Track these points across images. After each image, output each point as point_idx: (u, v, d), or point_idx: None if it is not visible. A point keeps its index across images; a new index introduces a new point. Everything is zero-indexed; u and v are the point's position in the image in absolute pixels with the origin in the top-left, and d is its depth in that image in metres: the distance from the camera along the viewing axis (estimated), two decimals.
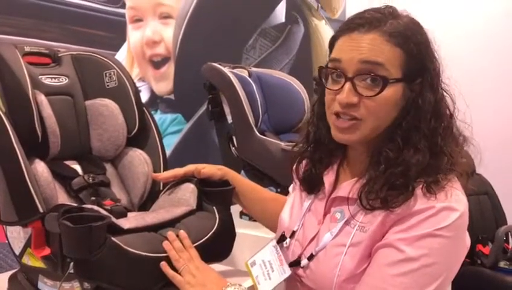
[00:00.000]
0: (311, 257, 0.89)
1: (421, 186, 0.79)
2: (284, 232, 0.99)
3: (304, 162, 1.01)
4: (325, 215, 0.92)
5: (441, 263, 0.78)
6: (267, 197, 1.19)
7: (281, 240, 0.99)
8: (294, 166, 1.02)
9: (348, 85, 0.81)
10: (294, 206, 1.02)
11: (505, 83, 3.23)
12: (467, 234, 0.86)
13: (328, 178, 0.94)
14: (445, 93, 0.86)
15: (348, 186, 0.88)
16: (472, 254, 2.85)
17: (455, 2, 3.39)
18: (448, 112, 0.85)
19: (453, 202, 0.79)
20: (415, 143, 0.81)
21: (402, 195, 0.79)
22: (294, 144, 1.06)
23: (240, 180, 1.18)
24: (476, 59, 3.23)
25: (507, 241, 2.79)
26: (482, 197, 3.01)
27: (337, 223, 0.87)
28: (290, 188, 1.12)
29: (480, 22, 3.27)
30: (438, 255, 0.77)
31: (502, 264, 2.73)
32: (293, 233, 0.97)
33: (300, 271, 0.92)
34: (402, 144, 0.81)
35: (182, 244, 0.96)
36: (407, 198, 0.78)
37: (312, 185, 0.97)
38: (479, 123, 3.27)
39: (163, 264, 0.93)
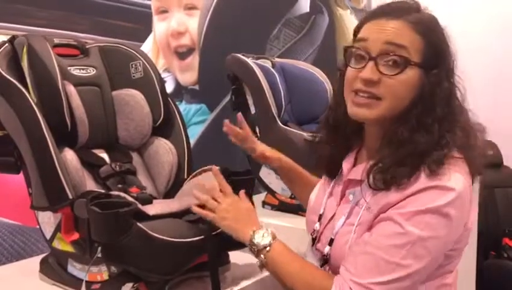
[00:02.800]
0: (331, 242, 0.96)
1: (424, 167, 0.84)
2: (312, 233, 1.05)
3: (326, 147, 1.05)
4: (341, 198, 0.99)
5: (436, 238, 0.83)
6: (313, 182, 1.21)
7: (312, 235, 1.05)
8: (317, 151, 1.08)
9: (371, 63, 0.86)
10: (319, 189, 1.09)
11: None
12: (471, 215, 0.90)
13: (347, 163, 1.00)
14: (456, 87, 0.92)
15: (361, 169, 0.93)
16: (498, 247, 2.81)
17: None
18: (458, 103, 0.90)
19: (452, 182, 0.83)
20: (428, 126, 0.86)
21: (409, 172, 0.84)
22: (315, 134, 1.11)
23: (293, 166, 1.23)
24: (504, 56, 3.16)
25: None
26: (509, 190, 2.96)
27: (349, 205, 0.94)
28: None
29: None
30: (434, 230, 0.82)
31: None
32: (320, 216, 1.03)
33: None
34: (416, 125, 0.86)
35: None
36: (411, 174, 0.84)
37: (332, 170, 1.03)
38: (510, 118, 3.21)
39: (195, 208, 0.98)
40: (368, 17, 0.91)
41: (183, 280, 1.05)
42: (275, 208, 1.77)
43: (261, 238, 0.93)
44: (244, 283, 1.07)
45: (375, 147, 0.93)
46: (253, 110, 1.73)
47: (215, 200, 0.99)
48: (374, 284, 0.82)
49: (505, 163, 3.04)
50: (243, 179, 1.13)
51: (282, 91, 1.76)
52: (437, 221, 0.82)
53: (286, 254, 0.93)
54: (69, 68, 1.18)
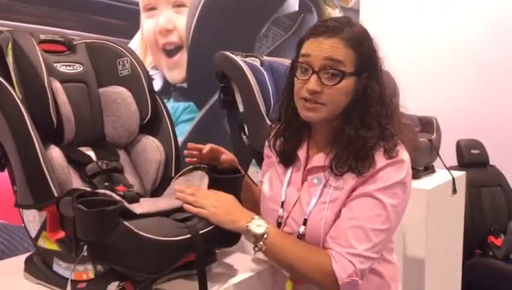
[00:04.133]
0: (305, 222, 1.10)
1: (379, 149, 1.05)
2: (278, 219, 1.16)
3: (279, 140, 1.20)
4: (302, 183, 1.15)
5: (402, 203, 1.06)
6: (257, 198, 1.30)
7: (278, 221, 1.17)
8: (271, 143, 1.22)
9: (314, 76, 1.05)
10: (273, 181, 1.22)
11: None
12: None
13: (302, 153, 1.16)
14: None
15: (320, 158, 1.12)
16: (484, 246, 2.85)
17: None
18: (389, 100, 1.10)
19: (404, 157, 1.07)
20: (368, 123, 1.06)
21: (366, 162, 1.04)
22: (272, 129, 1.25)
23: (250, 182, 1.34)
24: (495, 56, 3.20)
25: None
26: (495, 189, 3.00)
27: (317, 187, 1.10)
28: (262, 177, 1.31)
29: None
30: (400, 197, 1.05)
31: None
32: (282, 203, 1.16)
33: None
34: (359, 124, 1.06)
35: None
36: (370, 164, 1.04)
37: (288, 159, 1.18)
38: (496, 117, 3.26)
39: (186, 206, 1.03)
40: (309, 34, 1.08)
41: (170, 279, 1.05)
42: None
43: (257, 228, 1.02)
44: (232, 281, 1.07)
45: (323, 140, 1.13)
46: (241, 108, 1.73)
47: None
48: (366, 251, 1.01)
49: (491, 162, 3.07)
50: (230, 177, 1.12)
51: (270, 89, 1.76)
52: (401, 190, 1.05)
53: (282, 237, 1.05)
54: (55, 65, 1.17)
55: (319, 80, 1.04)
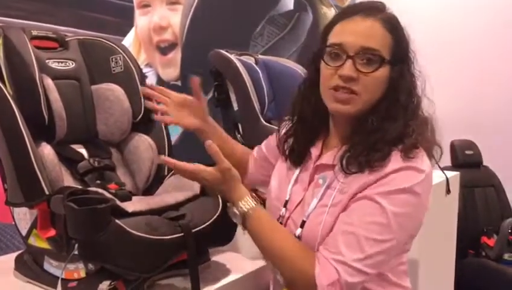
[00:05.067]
0: (302, 224, 0.99)
1: (396, 151, 0.92)
2: (279, 218, 1.06)
3: (290, 139, 1.10)
4: (309, 183, 1.03)
5: (408, 215, 0.90)
6: (236, 152, 1.26)
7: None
8: (282, 141, 1.11)
9: (349, 61, 0.93)
10: (281, 177, 1.12)
11: None
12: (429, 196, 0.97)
13: (315, 151, 1.05)
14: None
15: (331, 155, 1.00)
16: (477, 246, 2.86)
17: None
18: (419, 94, 0.99)
19: (424, 165, 0.92)
20: (394, 115, 0.94)
21: (381, 156, 0.91)
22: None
23: (216, 133, 1.25)
24: (486, 58, 3.21)
25: None
26: (488, 189, 3.01)
27: (321, 188, 0.99)
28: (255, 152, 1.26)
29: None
30: (407, 207, 0.89)
31: (506, 256, 2.73)
32: (286, 203, 1.06)
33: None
34: (385, 115, 0.94)
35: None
36: (384, 158, 0.91)
37: (298, 157, 1.08)
38: (489, 118, 3.26)
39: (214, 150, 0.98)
40: (340, 16, 0.97)
41: (162, 278, 1.04)
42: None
43: (244, 204, 0.96)
44: (225, 281, 1.06)
45: (344, 135, 1.00)
46: (235, 106, 1.72)
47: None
48: (355, 261, 0.87)
49: (484, 163, 3.08)
50: None
51: (265, 88, 1.76)
52: (410, 199, 0.89)
53: (268, 224, 0.96)
54: (47, 61, 1.16)
55: (354, 66, 0.92)
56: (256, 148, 1.28)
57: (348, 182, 0.94)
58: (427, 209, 0.95)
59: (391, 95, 0.95)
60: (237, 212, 0.96)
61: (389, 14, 0.97)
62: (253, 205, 0.96)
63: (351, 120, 0.98)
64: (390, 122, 0.94)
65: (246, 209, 0.95)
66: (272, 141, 1.21)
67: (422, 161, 0.92)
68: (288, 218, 1.05)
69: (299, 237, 0.99)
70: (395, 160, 0.91)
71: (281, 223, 1.05)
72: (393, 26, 0.95)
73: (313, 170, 1.03)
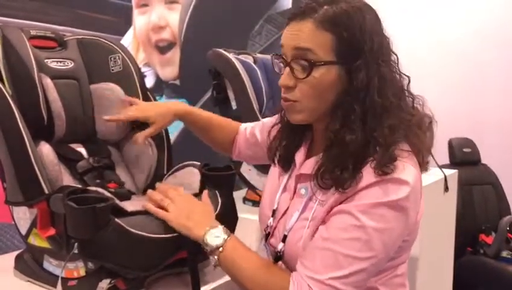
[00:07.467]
0: (284, 239, 0.95)
1: (370, 163, 0.83)
2: (266, 229, 1.04)
3: (277, 142, 1.06)
4: (294, 192, 0.99)
5: (391, 230, 0.83)
6: (214, 124, 1.26)
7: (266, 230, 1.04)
8: (271, 146, 1.07)
9: (287, 69, 0.89)
10: (272, 184, 1.08)
11: None
12: (421, 208, 0.91)
13: (299, 157, 0.99)
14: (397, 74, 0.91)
15: (310, 164, 0.93)
16: (475, 244, 2.87)
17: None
18: (393, 91, 0.88)
19: (405, 175, 0.83)
20: (350, 124, 0.85)
21: (350, 175, 0.84)
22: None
23: (194, 112, 1.23)
24: (484, 56, 3.22)
25: (510, 231, 2.80)
26: (486, 187, 3.02)
27: (303, 199, 0.94)
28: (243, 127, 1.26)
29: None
30: (388, 222, 0.82)
31: (504, 254, 2.74)
32: (274, 212, 1.03)
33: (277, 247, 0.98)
34: (339, 125, 0.86)
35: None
36: (354, 176, 0.83)
37: (285, 163, 1.03)
38: (487, 116, 3.26)
39: (146, 205, 0.96)
40: (287, 21, 0.91)
41: (162, 277, 1.04)
42: (256, 204, 1.77)
43: (214, 239, 0.90)
44: (224, 279, 1.06)
45: (321, 144, 0.94)
46: (234, 105, 1.73)
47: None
48: (332, 279, 0.81)
49: (482, 161, 3.09)
50: (223, 174, 1.12)
51: (263, 87, 1.76)
52: (391, 214, 0.82)
53: (238, 253, 0.90)
54: (46, 61, 1.16)
55: (291, 73, 0.88)
56: (248, 128, 1.25)
57: (326, 195, 0.88)
58: (416, 223, 0.90)
59: (346, 101, 0.86)
60: (211, 242, 0.90)
61: (332, 11, 0.85)
62: (225, 235, 0.91)
63: (320, 129, 0.93)
64: (346, 133, 0.85)
65: (220, 242, 0.90)
66: (265, 130, 1.15)
67: (404, 171, 0.83)
68: (275, 228, 1.01)
69: (281, 252, 0.95)
70: (369, 173, 0.83)
71: (268, 233, 1.03)
72: (334, 24, 0.84)
73: (296, 179, 0.98)
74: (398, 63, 0.92)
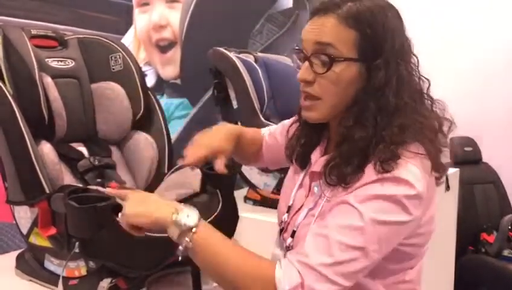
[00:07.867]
0: (293, 234, 0.94)
1: (374, 162, 0.82)
2: (280, 224, 1.03)
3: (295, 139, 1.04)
4: (309, 189, 0.97)
5: (387, 224, 0.80)
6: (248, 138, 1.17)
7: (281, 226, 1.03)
8: (289, 144, 1.05)
9: (306, 63, 0.87)
10: (289, 180, 1.06)
11: None
12: (429, 210, 0.88)
13: (315, 155, 0.98)
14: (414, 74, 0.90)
15: (322, 162, 0.92)
16: (476, 242, 2.86)
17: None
18: (410, 92, 0.87)
19: (403, 174, 0.80)
20: (363, 121, 0.84)
21: (351, 169, 0.83)
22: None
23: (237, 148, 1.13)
24: (487, 55, 3.21)
25: None
26: (487, 186, 3.01)
27: (315, 197, 0.92)
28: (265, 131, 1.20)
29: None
30: (386, 215, 0.79)
31: (506, 252, 2.73)
32: (289, 208, 1.01)
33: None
34: (352, 122, 0.86)
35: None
36: (357, 172, 0.82)
37: (302, 162, 1.02)
38: (489, 115, 3.23)
39: (108, 189, 0.93)
40: (309, 16, 0.90)
41: (163, 276, 1.04)
42: (257, 203, 1.77)
43: (186, 218, 0.80)
44: None
45: (335, 139, 0.93)
46: (235, 104, 1.73)
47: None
48: (322, 266, 0.78)
49: (483, 160, 3.09)
50: (223, 174, 1.12)
51: (264, 86, 1.76)
52: (389, 208, 0.80)
53: (217, 236, 0.82)
54: (46, 60, 1.16)
55: (311, 68, 0.86)
56: (267, 133, 1.20)
57: (334, 193, 0.87)
58: (420, 227, 0.86)
59: (362, 98, 0.86)
60: (184, 221, 0.80)
61: (355, 8, 0.85)
62: (197, 216, 0.82)
63: (337, 126, 0.91)
64: (357, 129, 0.85)
65: (195, 222, 0.81)
66: (285, 130, 1.12)
67: (404, 171, 0.81)
68: (288, 223, 0.99)
69: (290, 247, 0.93)
70: (370, 170, 0.82)
71: (282, 228, 1.01)
72: (357, 21, 0.84)
73: (310, 177, 0.97)
74: (418, 66, 0.91)
